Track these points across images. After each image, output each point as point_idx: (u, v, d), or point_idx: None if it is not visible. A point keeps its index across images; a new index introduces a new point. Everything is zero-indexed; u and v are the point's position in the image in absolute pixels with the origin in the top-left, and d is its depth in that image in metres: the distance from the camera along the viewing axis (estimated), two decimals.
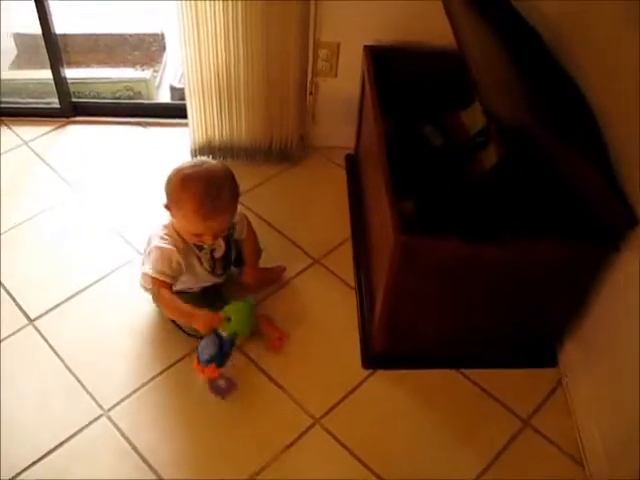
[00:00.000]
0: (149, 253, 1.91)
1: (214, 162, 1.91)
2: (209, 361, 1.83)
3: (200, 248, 1.93)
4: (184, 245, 1.90)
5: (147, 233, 1.99)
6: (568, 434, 1.87)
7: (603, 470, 1.73)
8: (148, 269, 1.88)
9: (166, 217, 1.93)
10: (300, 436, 1.84)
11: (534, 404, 1.94)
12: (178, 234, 1.90)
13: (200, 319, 1.85)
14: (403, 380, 1.97)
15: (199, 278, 1.99)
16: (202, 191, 1.79)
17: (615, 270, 1.72)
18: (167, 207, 1.88)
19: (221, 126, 2.50)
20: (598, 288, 1.80)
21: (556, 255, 1.73)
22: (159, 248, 1.87)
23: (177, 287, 1.96)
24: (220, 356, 1.85)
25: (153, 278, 1.88)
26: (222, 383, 1.89)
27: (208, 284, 2.04)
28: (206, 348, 1.84)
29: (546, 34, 1.85)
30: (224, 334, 1.85)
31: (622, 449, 1.65)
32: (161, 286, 1.88)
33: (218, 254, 1.99)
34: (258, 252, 2.15)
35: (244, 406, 1.90)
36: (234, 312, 1.89)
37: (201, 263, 1.95)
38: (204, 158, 1.97)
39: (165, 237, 1.90)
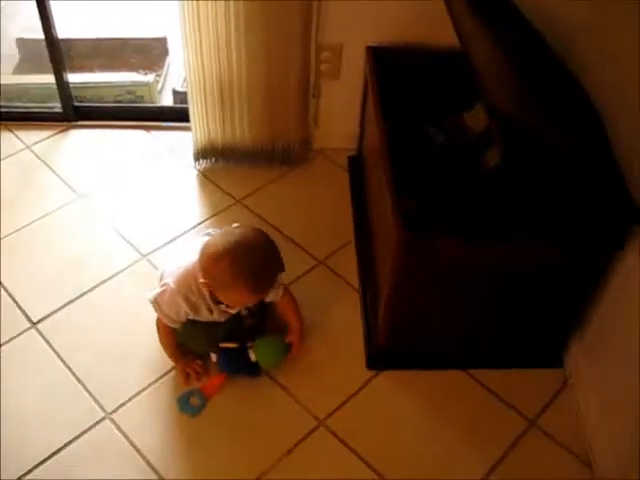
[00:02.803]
0: (163, 287, 1.83)
1: (247, 230, 1.78)
2: (222, 369, 1.91)
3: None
4: (197, 297, 1.81)
5: (150, 237, 1.97)
6: (575, 435, 1.86)
7: (612, 471, 1.72)
8: (156, 301, 1.83)
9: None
10: (305, 437, 1.83)
11: (540, 404, 1.93)
12: (197, 286, 1.80)
13: (179, 368, 1.93)
14: (408, 381, 1.96)
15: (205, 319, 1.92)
16: (254, 266, 1.70)
17: (620, 269, 1.72)
18: (218, 287, 1.76)
19: (223, 129, 2.49)
20: (603, 287, 1.79)
21: (558, 255, 1.72)
22: (173, 294, 1.80)
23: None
24: (235, 371, 1.92)
25: (157, 315, 1.86)
26: (195, 399, 1.90)
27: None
28: (228, 360, 1.91)
29: (549, 31, 1.84)
30: (252, 359, 1.91)
31: (631, 449, 1.64)
32: (162, 324, 1.87)
33: (248, 323, 1.98)
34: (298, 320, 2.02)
35: (248, 407, 1.89)
36: (262, 348, 1.93)
37: (211, 313, 1.86)
38: (233, 229, 1.80)
39: (181, 282, 1.80)
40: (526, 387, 1.96)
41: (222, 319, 1.90)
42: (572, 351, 1.97)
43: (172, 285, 1.80)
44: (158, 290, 1.83)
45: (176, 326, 1.87)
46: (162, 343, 1.94)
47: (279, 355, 1.95)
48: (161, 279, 1.89)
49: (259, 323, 2.02)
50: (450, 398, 1.94)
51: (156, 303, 1.83)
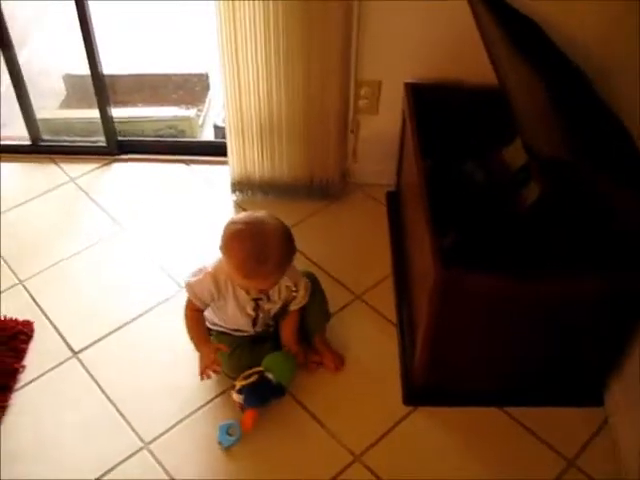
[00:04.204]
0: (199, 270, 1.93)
1: (273, 221, 1.82)
2: (251, 405, 1.89)
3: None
4: (225, 279, 1.89)
5: (190, 268, 1.99)
6: (614, 475, 1.83)
7: None
8: (189, 282, 1.91)
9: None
10: (340, 472, 1.83)
11: (579, 444, 1.90)
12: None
13: (201, 355, 1.91)
14: (445, 417, 1.95)
15: (232, 318, 1.97)
16: (248, 252, 1.75)
17: None
18: (220, 250, 1.84)
19: (262, 163, 2.52)
20: None
21: (601, 290, 1.70)
22: (206, 272, 1.89)
23: (217, 327, 2.01)
24: (264, 402, 1.91)
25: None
26: (234, 430, 1.90)
27: (244, 331, 2.02)
28: (254, 395, 1.89)
29: (589, 68, 1.85)
30: (273, 380, 1.91)
31: None
32: (190, 304, 1.92)
33: (267, 307, 1.97)
34: (318, 325, 2.10)
35: (285, 442, 1.89)
36: (272, 364, 1.94)
37: (238, 303, 1.92)
38: (264, 214, 1.85)
39: (216, 264, 1.89)
40: (565, 426, 1.93)
41: (246, 322, 1.95)
42: (612, 389, 1.94)
43: (208, 267, 1.90)
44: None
45: (199, 304, 1.90)
46: (187, 330, 1.95)
47: (290, 364, 1.97)
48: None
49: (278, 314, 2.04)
50: (487, 436, 1.92)
51: (188, 284, 1.90)
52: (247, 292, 1.90)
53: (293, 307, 2.01)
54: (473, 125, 2.28)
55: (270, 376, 1.92)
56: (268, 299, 1.95)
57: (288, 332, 2.03)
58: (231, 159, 2.53)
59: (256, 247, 1.76)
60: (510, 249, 1.89)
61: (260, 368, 1.93)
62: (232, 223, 1.82)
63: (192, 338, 1.96)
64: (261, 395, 1.91)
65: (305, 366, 2.04)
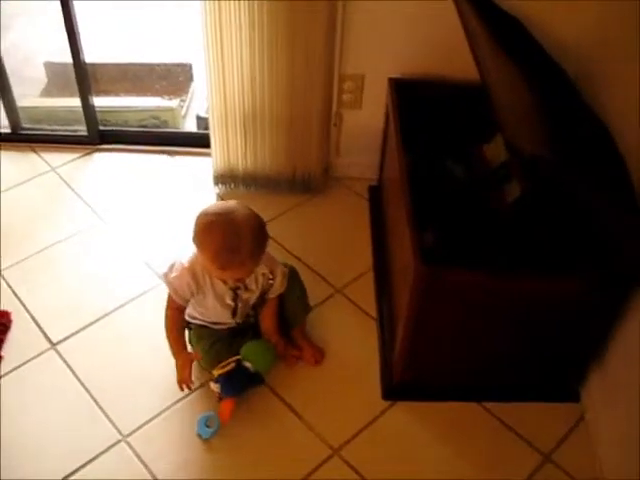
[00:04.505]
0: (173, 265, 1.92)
1: (245, 210, 1.82)
2: (228, 394, 1.89)
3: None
4: (202, 271, 1.89)
5: (170, 260, 1.99)
6: (590, 470, 1.85)
7: None
8: (167, 274, 1.91)
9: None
10: (319, 466, 1.83)
11: (555, 439, 1.91)
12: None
13: (177, 364, 1.92)
14: (423, 412, 1.96)
15: (211, 310, 1.97)
16: (221, 243, 1.75)
17: (637, 304, 1.71)
18: (193, 242, 1.86)
19: (244, 155, 2.52)
20: (621, 323, 1.78)
21: (577, 289, 1.72)
22: (182, 267, 1.88)
23: (197, 321, 2.01)
24: (241, 391, 1.92)
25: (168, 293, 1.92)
26: (212, 422, 1.90)
27: (225, 322, 2.01)
28: (230, 384, 1.89)
29: (571, 69, 1.86)
30: (251, 369, 1.91)
31: None
32: (171, 302, 1.92)
33: (246, 296, 1.97)
34: (298, 313, 2.10)
35: (263, 435, 1.90)
36: (250, 352, 1.94)
37: (216, 294, 1.92)
38: (234, 203, 1.85)
39: (191, 257, 1.88)
40: (542, 421, 1.95)
41: (226, 313, 1.95)
42: (589, 385, 1.96)
43: (183, 261, 1.89)
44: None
45: (181, 302, 1.91)
46: (166, 333, 1.95)
47: (269, 353, 1.96)
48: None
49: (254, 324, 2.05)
50: (465, 431, 1.93)
51: (165, 276, 1.91)
52: (224, 282, 1.90)
53: (271, 295, 2.02)
54: (456, 121, 2.29)
55: (247, 365, 1.92)
56: (246, 288, 1.95)
57: (268, 321, 2.03)
58: (214, 151, 2.53)
59: (228, 237, 1.76)
60: (490, 246, 1.90)
61: (237, 357, 1.93)
62: (203, 215, 1.81)
63: (169, 342, 1.95)
64: (238, 384, 1.91)
65: (284, 356, 2.05)
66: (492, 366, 1.93)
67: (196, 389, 1.98)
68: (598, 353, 1.89)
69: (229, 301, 1.94)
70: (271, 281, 1.99)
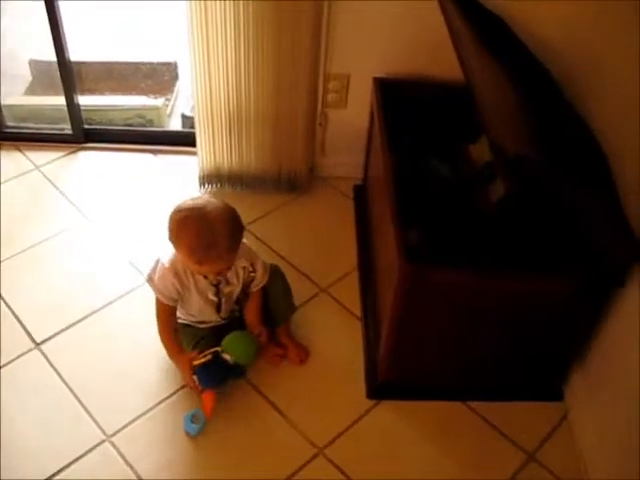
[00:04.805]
0: (155, 267, 1.92)
1: (217, 204, 1.82)
2: (206, 386, 1.88)
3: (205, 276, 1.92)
4: (183, 270, 1.89)
5: (152, 261, 1.98)
6: (573, 469, 1.86)
7: None
8: (150, 275, 1.92)
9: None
10: (303, 465, 1.83)
11: (539, 438, 1.92)
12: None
13: (178, 366, 1.94)
14: (408, 411, 1.97)
15: (196, 308, 1.97)
16: (195, 238, 1.76)
17: (620, 305, 1.72)
18: (169, 240, 1.85)
19: (230, 155, 2.52)
20: (604, 323, 1.80)
21: (562, 289, 1.73)
22: (163, 267, 1.88)
23: (181, 320, 2.01)
24: (219, 382, 1.91)
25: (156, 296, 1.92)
26: (198, 418, 1.90)
27: (210, 319, 2.02)
28: (207, 375, 1.88)
29: (555, 69, 1.86)
30: (230, 361, 1.89)
31: None
32: (160, 305, 1.92)
33: (227, 290, 1.97)
34: (284, 309, 2.10)
35: (248, 434, 1.89)
36: (230, 344, 1.91)
37: (199, 290, 1.92)
38: (208, 197, 1.87)
39: (172, 256, 1.88)
40: (525, 420, 1.96)
41: (210, 309, 1.96)
42: (572, 385, 1.97)
43: (164, 261, 1.89)
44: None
45: (170, 303, 1.91)
46: (160, 336, 1.96)
47: (251, 345, 1.94)
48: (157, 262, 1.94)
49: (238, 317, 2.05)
50: (449, 430, 1.94)
51: (149, 278, 1.91)
52: (205, 277, 1.90)
53: (254, 288, 2.02)
54: (440, 121, 2.30)
55: (226, 357, 1.90)
56: (227, 282, 1.94)
57: (251, 314, 2.03)
58: (200, 150, 2.52)
59: (202, 232, 1.76)
60: (475, 245, 1.90)
61: (216, 348, 1.91)
62: (176, 211, 1.81)
63: (164, 344, 1.96)
64: (216, 376, 1.90)
65: (268, 348, 2.04)
66: (477, 365, 1.94)
67: (181, 388, 1.98)
68: (581, 352, 1.90)
69: (212, 296, 1.94)
70: (252, 274, 1.99)
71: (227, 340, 1.93)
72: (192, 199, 1.85)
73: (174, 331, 1.98)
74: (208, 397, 1.90)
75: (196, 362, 1.89)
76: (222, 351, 1.90)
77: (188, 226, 1.77)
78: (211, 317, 2.00)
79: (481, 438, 1.92)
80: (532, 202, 1.76)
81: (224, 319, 2.03)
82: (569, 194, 1.62)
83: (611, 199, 1.66)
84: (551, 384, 2.02)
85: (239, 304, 2.05)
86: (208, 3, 2.13)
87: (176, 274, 1.87)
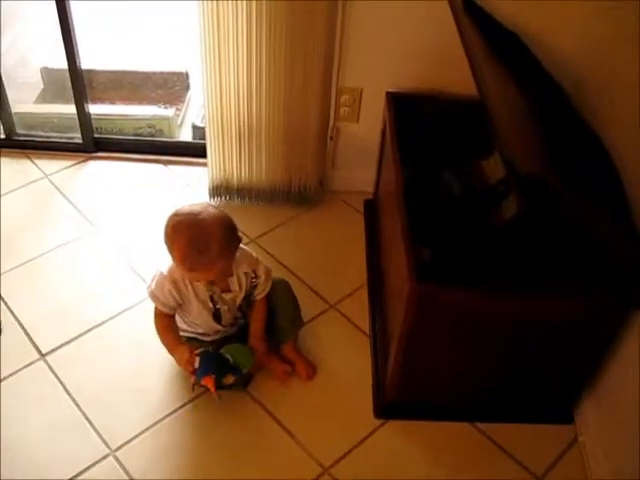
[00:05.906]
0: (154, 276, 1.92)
1: (213, 212, 1.81)
2: (205, 374, 1.85)
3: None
4: (181, 279, 1.88)
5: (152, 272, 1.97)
6: None
7: None
8: (150, 287, 1.91)
9: None
10: None
11: (549, 461, 1.89)
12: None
13: (177, 355, 1.91)
14: (415, 431, 1.94)
15: (196, 316, 1.96)
16: (187, 244, 1.74)
17: (635, 328, 1.70)
18: (165, 244, 1.83)
19: (240, 167, 2.50)
20: (617, 346, 1.77)
21: (575, 310, 1.70)
22: (162, 276, 1.88)
23: (186, 333, 2.00)
24: (219, 371, 1.86)
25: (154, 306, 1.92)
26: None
27: (212, 329, 2.00)
28: (210, 361, 1.86)
29: (569, 86, 1.85)
30: (231, 360, 1.88)
31: None
32: (157, 311, 1.92)
33: (229, 297, 1.95)
34: (290, 325, 2.08)
35: (254, 452, 1.87)
36: (229, 349, 1.91)
37: (199, 299, 1.91)
38: (206, 204, 1.88)
39: (170, 266, 1.87)
40: (535, 443, 1.93)
41: (211, 318, 1.95)
42: (583, 408, 1.94)
43: (163, 270, 1.89)
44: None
45: (167, 311, 1.90)
46: (160, 336, 1.95)
47: (249, 354, 1.94)
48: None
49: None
50: (457, 451, 1.91)
51: (148, 286, 1.91)
52: (203, 285, 1.89)
53: (258, 296, 2.01)
54: (453, 136, 2.27)
55: (228, 357, 1.88)
56: (228, 290, 1.93)
57: (256, 325, 2.02)
58: (210, 162, 2.51)
59: (194, 237, 1.75)
60: (487, 263, 1.88)
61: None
62: (172, 216, 1.81)
63: (165, 344, 1.95)
64: (216, 363, 1.86)
65: (275, 364, 2.02)
66: (485, 386, 1.91)
67: (186, 403, 1.96)
68: (592, 375, 1.88)
69: (211, 305, 1.93)
70: (254, 280, 1.97)
71: (227, 346, 1.93)
72: (190, 205, 1.85)
73: (175, 330, 1.96)
74: (208, 380, 1.85)
75: (197, 351, 1.88)
76: (223, 353, 1.90)
77: (181, 230, 1.77)
78: (212, 326, 1.99)
79: (489, 460, 1.89)
80: (546, 220, 1.74)
81: (225, 327, 2.01)
82: (583, 212, 1.60)
83: (625, 218, 1.63)
84: (561, 406, 1.99)
85: (243, 312, 2.04)
86: (220, 13, 2.11)
87: (174, 283, 1.87)
